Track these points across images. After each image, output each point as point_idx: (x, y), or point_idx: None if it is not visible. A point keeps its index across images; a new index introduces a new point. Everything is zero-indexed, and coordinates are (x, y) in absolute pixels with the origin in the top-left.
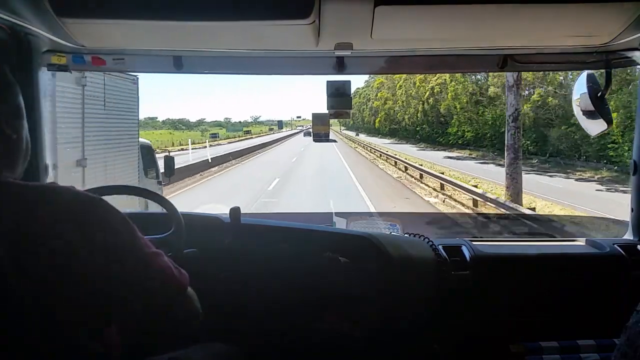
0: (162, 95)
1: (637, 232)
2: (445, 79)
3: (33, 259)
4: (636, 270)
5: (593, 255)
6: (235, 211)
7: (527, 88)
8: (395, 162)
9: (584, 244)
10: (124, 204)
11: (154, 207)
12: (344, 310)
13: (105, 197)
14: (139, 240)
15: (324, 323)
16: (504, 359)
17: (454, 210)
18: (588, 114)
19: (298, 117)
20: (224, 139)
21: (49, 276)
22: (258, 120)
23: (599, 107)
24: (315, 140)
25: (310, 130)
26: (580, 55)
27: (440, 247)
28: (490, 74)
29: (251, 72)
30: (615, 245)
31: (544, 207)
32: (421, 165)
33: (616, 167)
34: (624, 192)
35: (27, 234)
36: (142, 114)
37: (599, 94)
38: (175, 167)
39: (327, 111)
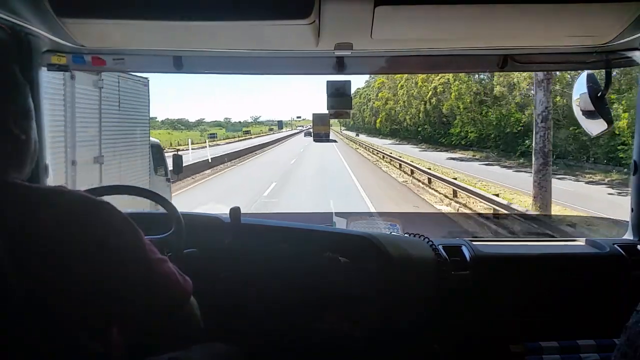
0: (161, 95)
1: (637, 232)
2: (448, 79)
3: (35, 260)
4: (636, 270)
5: (593, 255)
6: (235, 211)
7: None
8: (400, 165)
9: (584, 244)
10: (133, 204)
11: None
12: (344, 310)
13: (114, 197)
14: (143, 244)
15: (324, 323)
16: (504, 359)
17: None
18: (588, 114)
19: (298, 117)
20: (223, 139)
21: (50, 276)
22: (258, 120)
23: (599, 107)
24: (315, 140)
25: (311, 130)
26: (580, 55)
27: (440, 247)
28: (496, 72)
29: (251, 72)
30: (615, 245)
31: (559, 213)
32: (429, 169)
33: (626, 170)
34: None
35: (30, 235)
36: None
37: (599, 94)
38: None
39: (327, 111)
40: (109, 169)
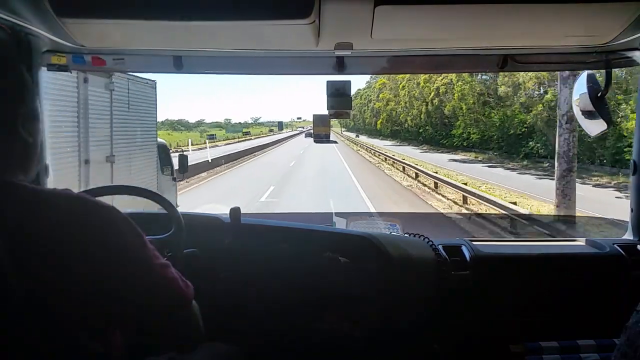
0: (161, 96)
1: (637, 232)
2: (451, 79)
3: (36, 260)
4: (636, 270)
5: (593, 255)
6: (235, 211)
7: (541, 87)
8: (404, 168)
9: (584, 244)
10: (133, 204)
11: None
12: (344, 310)
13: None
14: (146, 247)
15: (324, 323)
16: (504, 359)
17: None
18: (588, 114)
19: (298, 118)
20: (223, 140)
21: (51, 277)
22: (258, 121)
23: (599, 107)
24: (316, 141)
25: (312, 131)
26: (580, 55)
27: (440, 247)
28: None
29: (251, 72)
30: (615, 245)
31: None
32: (436, 173)
33: None
34: None
35: (32, 235)
36: None
37: (599, 94)
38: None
39: (327, 112)
40: (120, 168)
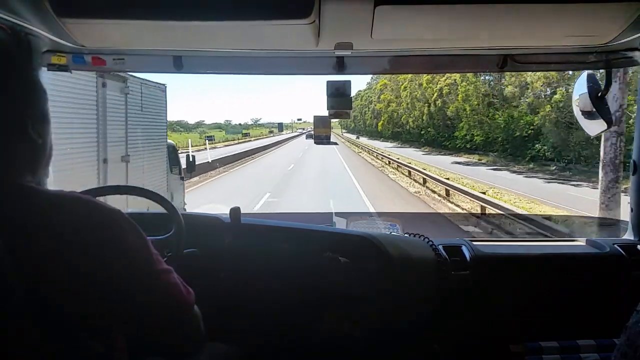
0: None
1: (637, 232)
2: (455, 79)
3: (36, 260)
4: (636, 270)
5: (593, 255)
6: (235, 211)
7: (549, 87)
8: (410, 172)
9: (584, 244)
10: (133, 204)
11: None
12: (344, 310)
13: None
14: (150, 253)
15: (324, 323)
16: (504, 359)
17: None
18: (588, 114)
19: (299, 119)
20: (223, 142)
21: (50, 276)
22: (258, 122)
23: (599, 108)
24: (316, 143)
25: (312, 132)
26: (580, 55)
27: (440, 247)
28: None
29: (251, 72)
30: (615, 245)
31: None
32: (448, 179)
33: None
34: None
35: (30, 234)
36: None
37: (599, 94)
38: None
39: (328, 112)
40: (133, 167)
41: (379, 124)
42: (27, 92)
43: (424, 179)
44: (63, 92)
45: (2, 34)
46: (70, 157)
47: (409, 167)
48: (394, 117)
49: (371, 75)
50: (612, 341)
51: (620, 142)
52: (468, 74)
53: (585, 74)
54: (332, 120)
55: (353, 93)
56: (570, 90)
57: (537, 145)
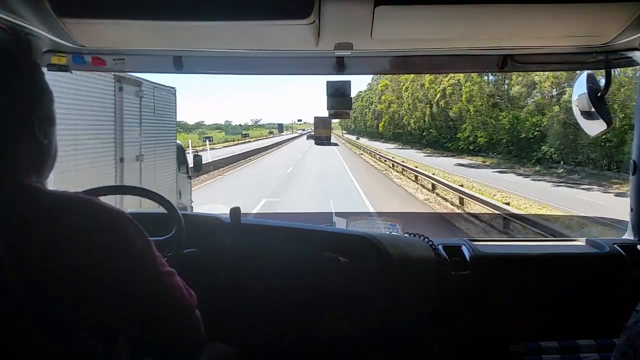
0: None
1: (637, 232)
2: (459, 80)
3: (36, 260)
4: (636, 270)
5: (593, 255)
6: (235, 211)
7: (557, 87)
8: (416, 177)
9: (584, 244)
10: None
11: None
12: (344, 310)
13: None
14: (154, 256)
15: (324, 323)
16: (504, 359)
17: None
18: (587, 115)
19: (299, 120)
20: (222, 142)
21: (50, 276)
22: (259, 123)
23: (598, 108)
24: (316, 143)
25: (313, 133)
26: (580, 55)
27: (440, 247)
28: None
29: (251, 72)
30: (615, 245)
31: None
32: (461, 186)
33: None
34: None
35: (31, 234)
36: None
37: (598, 94)
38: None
39: (327, 113)
40: (146, 166)
41: (380, 125)
42: (31, 93)
43: (433, 184)
44: (85, 95)
45: (2, 34)
46: (91, 156)
47: (415, 171)
48: (395, 118)
49: (372, 76)
50: (612, 341)
51: None
52: (472, 74)
53: (584, 74)
54: (333, 121)
55: (353, 94)
56: None
57: (543, 147)
